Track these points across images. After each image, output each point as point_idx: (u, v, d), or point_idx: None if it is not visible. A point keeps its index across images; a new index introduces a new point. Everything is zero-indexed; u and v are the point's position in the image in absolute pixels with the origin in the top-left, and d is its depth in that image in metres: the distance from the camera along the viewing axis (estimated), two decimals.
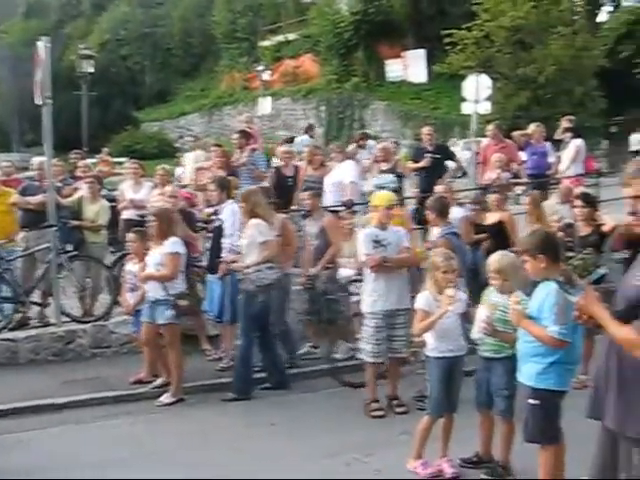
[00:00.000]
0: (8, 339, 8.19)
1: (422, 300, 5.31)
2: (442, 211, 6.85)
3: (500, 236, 7.97)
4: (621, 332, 3.11)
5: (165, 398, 7.03)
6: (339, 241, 7.77)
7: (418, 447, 5.27)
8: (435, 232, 6.91)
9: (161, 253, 7.09)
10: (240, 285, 7.23)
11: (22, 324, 8.94)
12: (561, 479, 4.56)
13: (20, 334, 8.36)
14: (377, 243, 6.51)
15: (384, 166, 10.41)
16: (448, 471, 5.17)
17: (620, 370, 3.18)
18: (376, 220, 6.62)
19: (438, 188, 8.64)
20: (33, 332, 8.45)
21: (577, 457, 4.17)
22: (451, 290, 5.12)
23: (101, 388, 7.29)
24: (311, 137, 17.45)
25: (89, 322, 8.67)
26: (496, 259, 5.00)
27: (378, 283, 6.51)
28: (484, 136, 13.74)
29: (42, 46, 8.24)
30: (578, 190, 8.97)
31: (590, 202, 7.35)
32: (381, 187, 7.52)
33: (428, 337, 5.31)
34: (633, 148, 25.05)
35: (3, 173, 10.48)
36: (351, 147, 12.58)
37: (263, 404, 6.97)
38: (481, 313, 4.98)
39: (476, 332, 5.01)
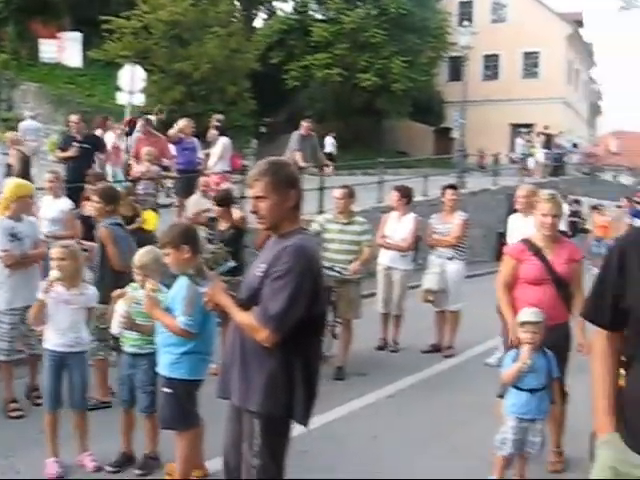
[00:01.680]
0: None
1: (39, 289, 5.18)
2: (111, 199, 6.51)
3: None
4: (242, 317, 3.37)
5: None
6: None
7: (50, 444, 5.11)
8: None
9: None
10: None
11: None
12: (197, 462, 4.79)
13: None
14: (13, 237, 6.12)
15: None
16: (89, 465, 5.08)
17: (242, 351, 3.42)
18: (11, 211, 6.17)
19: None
20: None
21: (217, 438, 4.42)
22: (54, 274, 5.02)
23: None
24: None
25: None
26: (140, 255, 5.03)
27: (14, 279, 6.16)
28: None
29: None
30: (223, 186, 9.40)
31: (225, 199, 7.70)
32: None
33: (47, 330, 5.18)
34: (327, 150, 26.67)
35: None
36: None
37: None
38: (120, 307, 4.98)
39: (115, 327, 5.01)
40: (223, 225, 7.47)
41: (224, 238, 7.34)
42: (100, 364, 6.32)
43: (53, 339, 5.12)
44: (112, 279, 6.02)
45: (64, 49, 27.35)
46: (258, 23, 38.93)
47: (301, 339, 3.35)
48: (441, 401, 6.91)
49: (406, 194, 8.89)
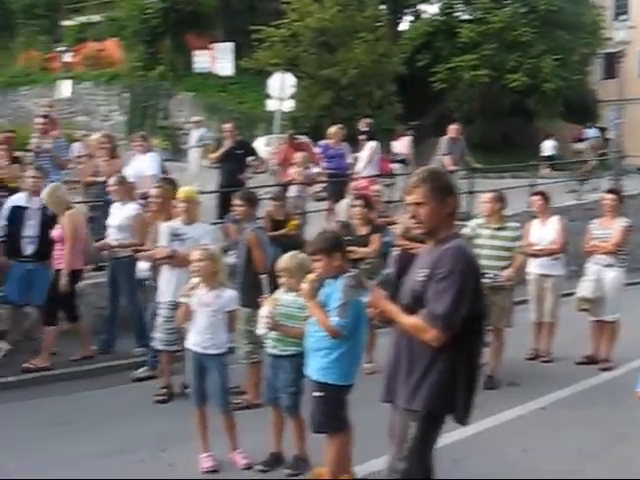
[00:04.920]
0: None
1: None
2: (253, 203, 6.77)
3: None
4: (409, 320, 3.48)
5: None
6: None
7: (201, 441, 5.29)
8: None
9: None
10: None
11: None
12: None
13: None
14: (176, 236, 6.54)
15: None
16: (241, 461, 5.22)
17: (409, 354, 3.52)
18: (179, 214, 6.66)
19: None
20: None
21: (366, 441, 4.45)
22: (195, 280, 5.22)
23: None
24: None
25: None
26: (285, 258, 5.11)
27: (169, 274, 6.60)
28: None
29: None
30: (373, 189, 9.41)
31: (368, 203, 7.71)
32: None
33: (189, 330, 5.36)
34: (545, 153, 26.21)
35: None
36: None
37: (51, 402, 6.67)
38: (264, 309, 5.06)
39: (260, 328, 5.11)
40: (361, 230, 7.47)
41: (364, 243, 7.33)
42: (255, 366, 6.44)
43: (192, 339, 5.30)
44: (255, 282, 6.28)
45: (216, 59, 28.40)
46: (404, 26, 38.79)
47: (464, 338, 3.46)
48: (596, 415, 6.60)
49: (547, 198, 8.69)
